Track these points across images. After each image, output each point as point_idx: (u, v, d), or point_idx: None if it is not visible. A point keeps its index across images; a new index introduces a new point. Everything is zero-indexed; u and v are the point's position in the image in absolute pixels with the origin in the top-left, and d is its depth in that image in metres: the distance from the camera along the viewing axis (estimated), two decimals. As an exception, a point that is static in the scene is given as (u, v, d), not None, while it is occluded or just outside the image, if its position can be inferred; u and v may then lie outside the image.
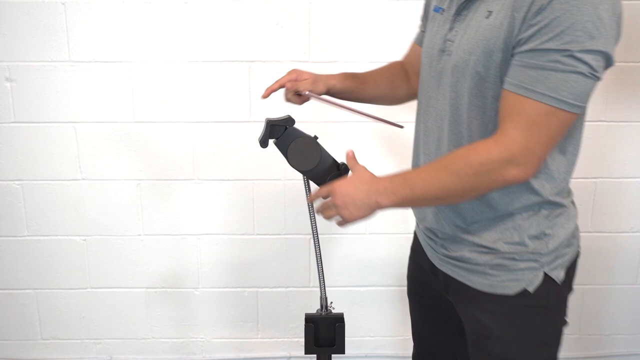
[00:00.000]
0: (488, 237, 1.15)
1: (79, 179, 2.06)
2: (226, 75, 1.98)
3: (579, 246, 1.23)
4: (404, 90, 1.42)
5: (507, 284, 1.15)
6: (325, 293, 1.37)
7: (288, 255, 2.16)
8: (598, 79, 0.99)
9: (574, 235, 1.20)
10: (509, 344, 1.17)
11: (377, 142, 2.03)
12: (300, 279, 2.18)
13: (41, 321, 2.21)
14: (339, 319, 1.35)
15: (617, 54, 1.03)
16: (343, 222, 1.16)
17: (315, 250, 1.34)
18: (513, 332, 1.17)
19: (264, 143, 1.24)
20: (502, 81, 1.04)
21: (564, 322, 1.22)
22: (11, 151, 2.03)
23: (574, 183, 1.22)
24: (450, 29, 1.14)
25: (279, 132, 1.23)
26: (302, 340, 1.40)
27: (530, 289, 1.14)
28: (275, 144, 1.25)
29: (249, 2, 1.92)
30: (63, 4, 1.90)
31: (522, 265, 1.14)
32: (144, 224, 2.11)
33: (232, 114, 2.01)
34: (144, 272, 2.16)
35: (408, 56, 1.45)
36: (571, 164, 1.14)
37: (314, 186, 1.29)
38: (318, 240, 1.34)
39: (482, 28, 1.05)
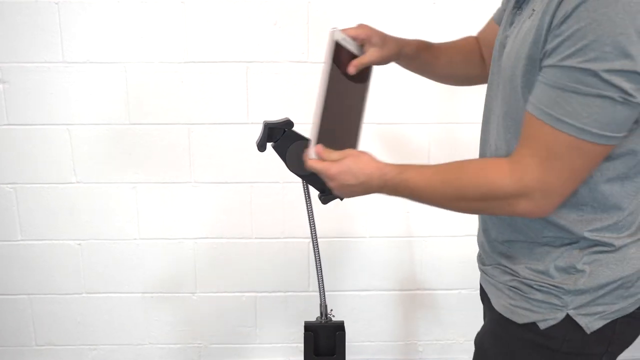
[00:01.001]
0: (515, 259, 1.02)
1: (73, 182, 2.03)
2: (223, 76, 1.95)
3: None
4: (477, 71, 1.25)
5: (518, 310, 1.01)
6: (324, 300, 1.34)
7: (286, 260, 2.13)
8: (637, 105, 0.82)
9: (633, 285, 0.97)
10: None
11: (377, 142, 2.01)
12: (299, 283, 2.16)
13: (36, 327, 2.18)
14: (340, 327, 1.32)
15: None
16: (334, 197, 1.11)
17: (315, 256, 1.32)
18: None
19: (261, 147, 1.21)
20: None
21: None
22: (4, 154, 2.00)
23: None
24: (511, 23, 1.00)
25: (277, 136, 1.21)
26: (301, 345, 1.37)
27: (542, 326, 0.98)
28: (274, 147, 1.22)
29: (246, 2, 1.90)
30: (56, 3, 1.88)
31: (540, 296, 0.98)
32: (140, 227, 2.09)
33: (229, 115, 1.98)
34: (141, 277, 2.14)
35: (483, 33, 1.27)
36: (629, 195, 0.94)
37: (313, 190, 1.27)
38: (317, 246, 1.31)
39: (525, 30, 0.91)
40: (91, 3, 1.88)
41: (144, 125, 1.99)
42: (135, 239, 2.10)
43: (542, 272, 0.98)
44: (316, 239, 1.32)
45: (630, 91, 0.80)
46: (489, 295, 1.09)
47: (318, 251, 1.32)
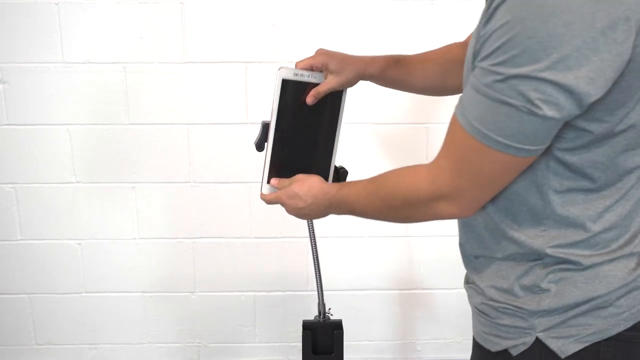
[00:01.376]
0: (483, 276, 0.96)
1: (73, 182, 2.04)
2: (222, 77, 1.96)
3: (631, 323, 0.88)
4: (456, 82, 1.14)
5: (489, 338, 0.94)
6: (323, 299, 1.35)
7: (285, 259, 2.14)
8: (547, 118, 0.74)
9: (612, 304, 0.87)
10: None
11: (375, 143, 2.01)
12: (297, 282, 2.16)
13: (35, 326, 2.19)
14: (338, 326, 1.32)
15: None
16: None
17: (313, 255, 1.32)
18: None
19: (260, 147, 1.21)
20: None
21: None
22: (4, 154, 2.00)
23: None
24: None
25: None
26: (300, 344, 1.38)
27: (514, 352, 0.91)
28: None
29: (245, 3, 1.90)
30: (56, 4, 1.88)
31: (506, 320, 0.91)
32: (139, 227, 2.09)
33: (228, 115, 1.99)
34: (140, 276, 2.14)
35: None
36: (605, 208, 0.85)
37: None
38: (315, 245, 1.32)
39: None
40: (91, 4, 1.88)
41: (143, 125, 1.99)
42: (134, 238, 2.10)
43: (507, 291, 0.91)
44: (314, 238, 1.32)
45: (536, 101, 0.73)
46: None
47: (316, 250, 1.32)
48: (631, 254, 0.87)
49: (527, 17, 0.70)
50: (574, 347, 0.87)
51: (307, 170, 1.14)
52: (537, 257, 0.88)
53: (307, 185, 1.08)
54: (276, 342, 2.24)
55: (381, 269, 2.16)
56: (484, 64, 0.76)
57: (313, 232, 1.32)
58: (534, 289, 0.88)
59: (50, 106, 1.96)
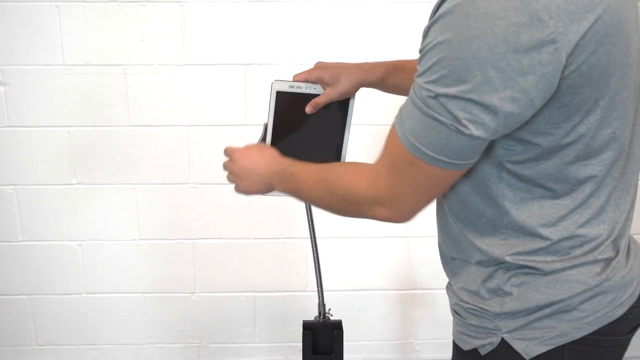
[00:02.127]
0: (456, 277, 0.99)
1: (73, 184, 2.04)
2: (222, 79, 1.96)
3: (603, 325, 0.89)
4: None
5: (461, 337, 0.98)
6: (323, 299, 1.35)
7: (285, 260, 2.14)
8: (473, 137, 0.76)
9: (575, 308, 0.88)
10: None
11: (375, 144, 2.02)
12: (297, 283, 2.17)
13: (36, 327, 2.19)
14: (338, 326, 1.33)
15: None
16: (237, 190, 1.14)
17: (314, 255, 1.33)
18: None
19: None
20: None
21: None
22: (5, 156, 2.01)
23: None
24: None
25: None
26: (300, 345, 1.38)
27: (482, 351, 0.94)
28: None
29: (244, 5, 1.91)
30: (57, 6, 1.88)
31: (474, 320, 0.94)
32: (139, 228, 2.10)
33: (228, 117, 2.00)
34: (140, 277, 2.15)
35: None
36: (539, 219, 0.86)
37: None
38: (316, 246, 1.32)
39: None
40: (91, 6, 1.89)
41: (143, 127, 1.99)
42: (134, 239, 2.11)
43: (475, 293, 0.94)
44: (315, 238, 1.33)
45: (464, 121, 0.75)
46: None
47: (317, 250, 1.33)
48: (595, 261, 0.88)
49: (454, 39, 0.73)
50: (538, 349, 0.89)
51: None
52: (499, 263, 0.90)
53: (266, 150, 1.10)
54: (276, 343, 2.25)
55: (380, 269, 2.16)
56: (420, 80, 0.79)
57: (314, 233, 1.33)
58: (498, 292, 0.91)
59: (51, 108, 1.97)
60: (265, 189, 1.09)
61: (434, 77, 0.76)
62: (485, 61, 0.71)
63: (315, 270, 1.34)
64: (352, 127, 1.17)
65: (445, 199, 0.96)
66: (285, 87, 1.12)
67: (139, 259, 2.13)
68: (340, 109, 1.15)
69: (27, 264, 2.12)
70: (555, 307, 0.88)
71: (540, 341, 0.89)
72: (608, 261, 0.89)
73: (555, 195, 0.85)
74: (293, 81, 1.13)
